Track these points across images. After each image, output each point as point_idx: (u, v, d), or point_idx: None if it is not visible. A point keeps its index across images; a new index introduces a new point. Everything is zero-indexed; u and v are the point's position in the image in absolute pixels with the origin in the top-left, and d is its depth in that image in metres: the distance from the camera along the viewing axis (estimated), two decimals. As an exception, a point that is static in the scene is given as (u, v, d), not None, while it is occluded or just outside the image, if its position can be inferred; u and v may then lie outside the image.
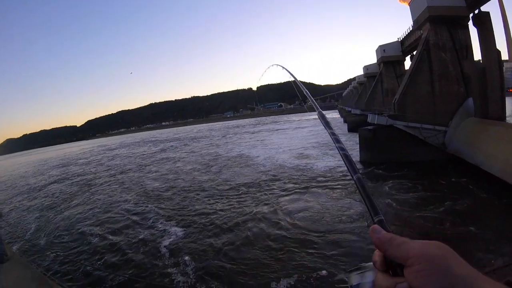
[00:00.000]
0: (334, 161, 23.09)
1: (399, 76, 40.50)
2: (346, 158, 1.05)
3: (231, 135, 68.77)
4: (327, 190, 16.36)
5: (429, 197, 13.38)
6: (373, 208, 0.80)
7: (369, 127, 22.17)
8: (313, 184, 17.76)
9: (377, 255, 0.69)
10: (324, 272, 8.55)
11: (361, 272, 0.79)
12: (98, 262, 10.85)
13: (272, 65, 4.36)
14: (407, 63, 41.26)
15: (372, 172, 19.17)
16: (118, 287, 8.86)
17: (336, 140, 1.20)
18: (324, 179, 18.50)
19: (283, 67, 3.69)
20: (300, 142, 39.12)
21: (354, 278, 0.79)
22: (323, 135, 42.10)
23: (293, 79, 2.92)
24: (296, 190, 17.03)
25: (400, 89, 22.16)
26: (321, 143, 34.49)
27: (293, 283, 8.24)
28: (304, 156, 27.53)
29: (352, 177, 0.95)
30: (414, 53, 27.36)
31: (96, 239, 13.23)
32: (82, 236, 13.80)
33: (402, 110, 20.89)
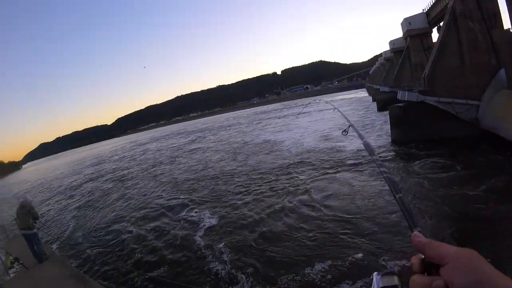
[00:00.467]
0: (359, 143, 22.85)
1: (427, 49, 39.22)
2: (389, 179, 1.18)
3: (257, 122, 68.87)
4: (356, 173, 16.12)
5: (464, 176, 12.91)
6: (413, 221, 0.91)
7: (399, 105, 21.63)
8: (341, 167, 17.61)
9: (415, 258, 0.75)
10: (360, 255, 8.46)
11: (388, 276, 0.87)
12: (134, 260, 11.09)
13: None
14: (435, 36, 39.97)
15: (403, 150, 18.86)
16: (153, 286, 8.99)
17: (380, 165, 1.32)
18: (352, 161, 18.29)
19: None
20: (326, 124, 38.71)
21: (382, 281, 0.85)
22: (350, 116, 41.80)
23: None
24: (324, 174, 16.95)
25: (429, 63, 21.48)
26: (346, 124, 34.04)
27: (327, 267, 8.22)
28: (330, 139, 27.39)
29: (395, 196, 1.08)
30: (441, 24, 26.48)
31: (132, 236, 13.54)
32: (118, 234, 14.17)
33: (432, 85, 20.26)
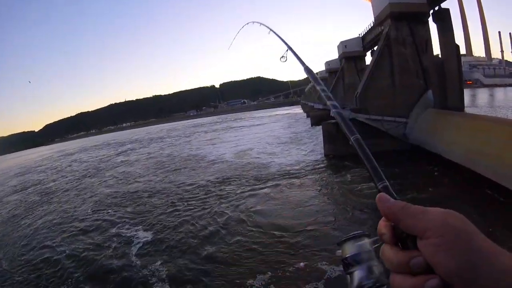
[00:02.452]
0: (291, 157, 23.55)
1: (360, 71, 41.56)
2: (342, 118, 1.00)
3: (190, 134, 68.40)
4: (287, 185, 16.58)
5: (392, 185, 13.59)
6: (375, 172, 0.74)
7: (332, 121, 22.48)
8: (272, 180, 17.94)
9: (383, 226, 0.61)
10: (302, 264, 8.56)
11: (355, 241, 0.70)
12: (65, 279, 10.28)
13: (250, 23, 3.85)
14: (368, 59, 42.39)
15: (336, 164, 19.65)
16: None
17: (328, 98, 1.12)
18: (283, 175, 18.82)
19: (267, 27, 3.12)
20: (260, 139, 39.32)
21: (349, 248, 0.69)
22: (285, 129, 42.76)
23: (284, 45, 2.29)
24: (255, 187, 17.12)
25: (361, 83, 22.71)
26: (280, 139, 35.08)
27: (269, 278, 8.22)
28: (263, 153, 27.78)
29: (349, 138, 0.91)
30: (375, 48, 28.10)
31: (62, 253, 12.49)
32: (46, 253, 12.94)
33: (364, 104, 21.47)
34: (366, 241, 0.69)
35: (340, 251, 0.71)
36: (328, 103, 1.09)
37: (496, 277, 0.46)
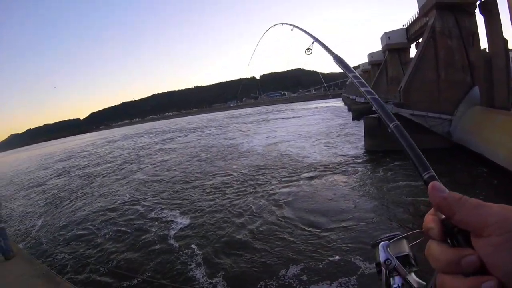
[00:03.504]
0: (331, 150, 23.39)
1: (404, 64, 40.28)
2: (378, 103, 0.92)
3: (231, 125, 69.27)
4: (324, 180, 16.46)
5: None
6: (420, 162, 0.68)
7: (374, 115, 22.04)
8: (309, 173, 17.89)
9: (431, 220, 0.55)
10: (336, 257, 8.56)
11: (392, 242, 0.68)
12: (107, 260, 10.77)
13: (278, 25, 3.71)
14: (412, 51, 41.01)
15: (377, 160, 19.24)
16: (126, 285, 8.78)
17: (362, 84, 1.04)
18: (321, 169, 18.63)
19: (293, 26, 2.96)
20: (301, 131, 38.88)
21: (383, 252, 0.67)
22: (326, 123, 42.29)
23: (311, 40, 2.23)
24: (291, 180, 17.14)
25: (405, 77, 22.01)
26: (321, 133, 34.55)
27: (302, 269, 8.27)
28: (299, 147, 27.38)
29: (389, 126, 0.85)
30: (420, 40, 27.15)
31: (104, 235, 13.14)
32: (89, 233, 13.69)
33: (407, 98, 20.80)
34: (405, 243, 0.68)
35: (375, 253, 0.70)
36: (362, 89, 1.02)
37: None
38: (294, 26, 2.72)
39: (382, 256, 0.67)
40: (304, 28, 2.28)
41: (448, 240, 0.52)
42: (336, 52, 1.48)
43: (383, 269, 0.67)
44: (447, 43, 19.82)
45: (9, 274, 7.68)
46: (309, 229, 10.68)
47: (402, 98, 21.10)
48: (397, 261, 0.66)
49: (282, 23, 3.18)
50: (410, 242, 0.69)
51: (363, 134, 23.52)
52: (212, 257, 9.68)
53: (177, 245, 10.98)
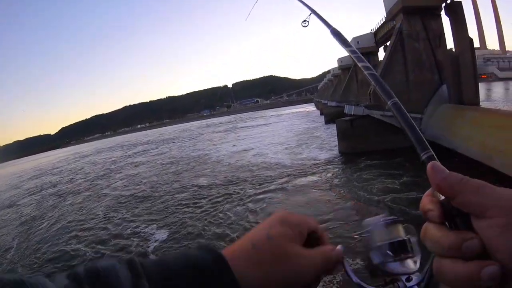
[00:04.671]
0: (305, 155, 23.47)
1: (373, 67, 40.46)
2: (375, 79, 0.85)
3: (203, 134, 69.31)
4: (299, 184, 16.47)
5: (407, 182, 13.81)
6: (419, 141, 0.61)
7: (346, 118, 22.52)
8: (284, 179, 17.81)
9: (429, 201, 0.50)
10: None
11: (389, 226, 0.63)
12: None
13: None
14: (381, 54, 41.96)
15: (350, 161, 19.45)
16: None
17: (359, 59, 0.98)
18: (295, 173, 18.65)
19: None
20: (274, 137, 39.13)
21: (381, 233, 0.62)
22: (299, 127, 42.59)
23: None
24: (267, 186, 17.02)
25: (375, 80, 22.43)
26: (294, 137, 34.85)
27: None
28: (271, 154, 27.25)
29: (387, 102, 0.76)
30: (387, 44, 27.78)
31: (80, 252, 12.83)
32: (65, 251, 13.28)
33: (378, 100, 21.12)
34: (399, 230, 0.63)
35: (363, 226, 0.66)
36: (359, 64, 0.95)
37: None
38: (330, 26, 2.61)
39: (374, 241, 0.62)
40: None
41: (447, 223, 0.48)
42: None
43: (375, 255, 0.61)
44: (414, 46, 20.36)
45: None
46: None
47: (373, 100, 21.54)
48: (390, 245, 0.60)
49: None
50: (404, 226, 0.64)
51: (336, 137, 23.73)
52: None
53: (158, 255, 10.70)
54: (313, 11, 1.87)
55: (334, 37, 1.27)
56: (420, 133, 0.64)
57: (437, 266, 0.47)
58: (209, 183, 20.07)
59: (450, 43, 20.62)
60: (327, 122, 41.69)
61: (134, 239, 13.06)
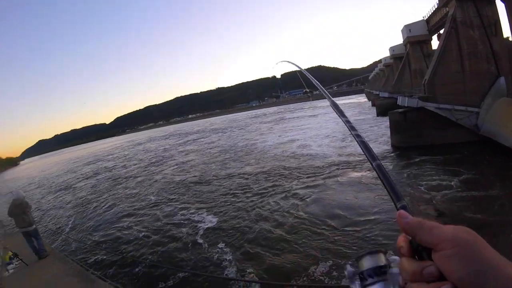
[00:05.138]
0: (354, 148, 23.01)
1: (427, 56, 39.45)
2: (364, 145, 1.01)
3: (252, 125, 70.01)
4: (348, 177, 16.27)
5: (464, 180, 13.04)
6: (395, 194, 0.79)
7: (399, 110, 21.76)
8: (331, 172, 17.74)
9: (402, 240, 0.67)
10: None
11: (372, 255, 0.75)
12: (137, 256, 10.98)
13: (281, 62, 4.37)
14: (434, 43, 40.24)
15: (403, 156, 18.88)
16: (157, 280, 8.95)
17: (352, 128, 1.16)
18: (343, 166, 18.42)
19: (289, 62, 3.57)
20: (323, 129, 38.72)
21: (367, 262, 0.73)
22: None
23: (300, 71, 2.58)
24: (313, 178, 17.10)
25: (429, 70, 21.63)
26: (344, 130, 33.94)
27: (331, 265, 8.31)
28: (321, 146, 27.19)
29: (372, 164, 0.93)
30: (441, 32, 26.61)
31: (132, 233, 13.53)
32: (120, 232, 14.08)
33: (432, 91, 20.41)
34: (381, 257, 0.74)
35: (352, 265, 0.77)
36: (352, 133, 1.12)
37: (502, 284, 0.52)
38: (300, 68, 2.80)
39: (367, 264, 0.74)
40: (308, 75, 2.25)
41: (416, 257, 0.64)
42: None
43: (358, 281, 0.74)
44: (469, 33, 19.33)
45: (45, 272, 7.90)
46: (336, 225, 10.66)
47: (427, 91, 20.72)
48: (372, 270, 0.73)
49: (288, 61, 3.57)
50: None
51: (388, 130, 23.12)
52: (242, 254, 9.84)
53: (207, 242, 11.16)
54: (317, 84, 1.99)
55: (332, 108, 1.41)
56: (396, 187, 0.80)
57: None
58: (256, 172, 20.47)
59: (506, 32, 19.44)
60: (379, 114, 40.89)
61: (184, 223, 13.65)
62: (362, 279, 0.72)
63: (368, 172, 16.35)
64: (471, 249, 0.55)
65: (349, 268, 0.75)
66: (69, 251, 12.49)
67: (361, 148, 1.01)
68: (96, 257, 11.56)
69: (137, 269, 9.75)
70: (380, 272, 0.71)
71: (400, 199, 0.76)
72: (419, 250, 0.63)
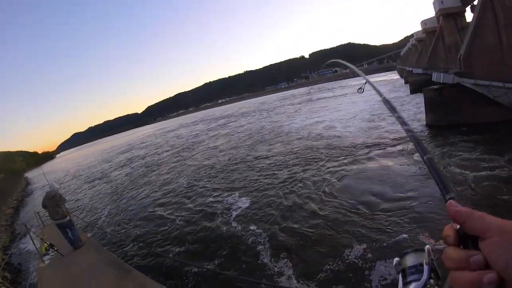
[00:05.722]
0: (387, 127, 22.39)
1: (461, 29, 37.56)
2: (415, 139, 1.04)
3: (279, 107, 70.12)
4: (382, 158, 15.79)
5: (506, 161, 12.21)
6: (444, 186, 0.78)
7: (434, 87, 20.76)
8: (364, 153, 17.36)
9: (449, 229, 0.67)
10: (404, 235, 8.33)
11: (414, 254, 0.78)
12: (174, 248, 10.97)
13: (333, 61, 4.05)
14: (468, 15, 38.28)
15: (439, 135, 18.13)
16: (198, 276, 8.84)
17: (403, 123, 1.16)
18: (376, 147, 17.92)
19: (335, 61, 3.51)
20: (357, 108, 37.63)
21: (410, 259, 0.77)
22: (376, 100, 40.94)
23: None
24: (346, 158, 16.89)
25: (464, 43, 20.50)
26: (376, 109, 33.06)
27: (365, 249, 8.17)
28: (354, 126, 26.64)
29: (423, 158, 0.94)
30: (475, 2, 25.23)
31: (170, 223, 13.55)
32: (154, 221, 14.22)
33: (469, 66, 19.36)
34: (423, 256, 0.76)
35: (400, 262, 0.80)
36: (404, 127, 1.15)
37: None
38: (348, 66, 2.75)
39: (407, 263, 0.78)
40: (356, 70, 2.43)
41: (461, 246, 0.64)
42: (384, 95, 1.58)
43: (400, 276, 0.78)
44: (505, 2, 18.08)
45: (81, 262, 8.16)
46: (370, 208, 10.44)
47: (463, 67, 19.71)
48: (417, 267, 0.76)
49: (339, 61, 3.44)
50: (432, 255, 0.76)
51: (423, 108, 22.25)
52: (275, 238, 9.80)
53: (240, 228, 11.17)
54: (368, 81, 2.22)
55: (384, 104, 1.45)
56: (446, 179, 0.80)
57: (451, 277, 0.62)
58: (285, 153, 20.62)
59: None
60: (413, 91, 39.59)
61: (218, 206, 13.83)
62: (404, 276, 0.77)
63: (404, 152, 16.02)
64: None
65: (395, 262, 0.80)
66: (105, 241, 12.86)
67: (413, 142, 1.04)
68: (130, 247, 11.77)
69: (168, 263, 9.76)
70: (420, 270, 0.75)
71: (450, 191, 0.76)
72: (465, 239, 0.64)
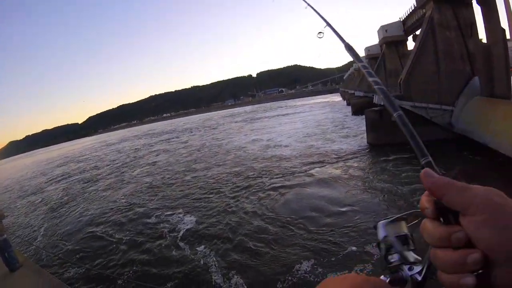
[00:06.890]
0: (333, 145, 23.29)
1: (401, 56, 40.41)
2: (384, 93, 0.95)
3: (225, 124, 70.21)
4: (326, 175, 16.48)
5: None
6: (419, 148, 0.74)
7: (375, 108, 22.19)
8: (312, 169, 18.00)
9: (426, 200, 0.61)
10: (353, 248, 8.69)
11: (391, 222, 0.76)
12: (115, 265, 10.69)
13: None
14: (410, 44, 41.11)
15: (379, 154, 19.28)
16: None
17: (369, 74, 1.07)
18: (323, 163, 18.72)
19: (304, 1, 2.81)
20: (302, 127, 38.93)
21: (382, 229, 0.76)
22: (325, 118, 42.33)
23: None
24: (291, 176, 17.30)
25: (405, 69, 22.12)
26: (321, 128, 34.62)
27: (315, 263, 8.37)
28: (304, 142, 27.55)
29: (392, 114, 0.87)
30: (417, 32, 27.21)
31: (107, 240, 13.11)
32: (95, 239, 13.62)
33: (407, 90, 20.94)
34: (403, 226, 0.76)
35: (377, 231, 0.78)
36: (370, 79, 1.05)
37: None
38: (309, 5, 2.70)
39: (381, 234, 0.76)
40: (318, 11, 2.24)
41: (441, 219, 0.58)
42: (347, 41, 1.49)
43: (382, 246, 0.75)
44: (446, 35, 19.89)
45: (20, 286, 7.40)
46: (316, 223, 10.81)
47: (402, 90, 21.23)
48: (395, 238, 0.74)
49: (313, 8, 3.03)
50: (408, 223, 0.77)
51: (364, 128, 23.50)
52: (226, 256, 9.73)
53: (188, 248, 10.91)
54: (328, 24, 1.96)
55: (347, 51, 1.37)
56: (420, 141, 0.76)
57: (432, 255, 0.58)
58: (228, 173, 20.55)
59: (481, 34, 20.07)
60: (355, 113, 41.33)
61: (163, 225, 13.45)
62: (388, 248, 0.73)
63: (347, 169, 16.96)
64: (503, 214, 0.51)
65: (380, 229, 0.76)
66: (43, 263, 11.75)
67: (381, 97, 0.96)
68: (71, 269, 10.94)
69: (111, 282, 9.38)
70: (405, 241, 0.73)
71: (425, 155, 0.71)
72: (445, 213, 0.57)
